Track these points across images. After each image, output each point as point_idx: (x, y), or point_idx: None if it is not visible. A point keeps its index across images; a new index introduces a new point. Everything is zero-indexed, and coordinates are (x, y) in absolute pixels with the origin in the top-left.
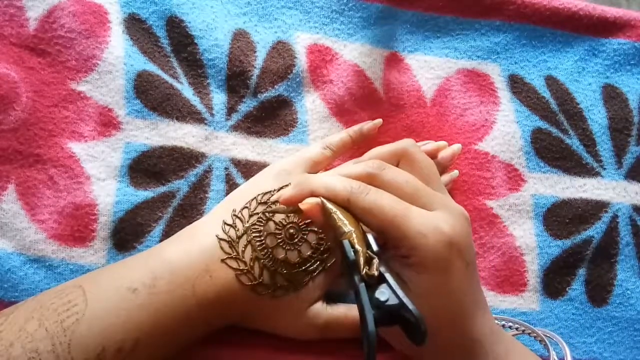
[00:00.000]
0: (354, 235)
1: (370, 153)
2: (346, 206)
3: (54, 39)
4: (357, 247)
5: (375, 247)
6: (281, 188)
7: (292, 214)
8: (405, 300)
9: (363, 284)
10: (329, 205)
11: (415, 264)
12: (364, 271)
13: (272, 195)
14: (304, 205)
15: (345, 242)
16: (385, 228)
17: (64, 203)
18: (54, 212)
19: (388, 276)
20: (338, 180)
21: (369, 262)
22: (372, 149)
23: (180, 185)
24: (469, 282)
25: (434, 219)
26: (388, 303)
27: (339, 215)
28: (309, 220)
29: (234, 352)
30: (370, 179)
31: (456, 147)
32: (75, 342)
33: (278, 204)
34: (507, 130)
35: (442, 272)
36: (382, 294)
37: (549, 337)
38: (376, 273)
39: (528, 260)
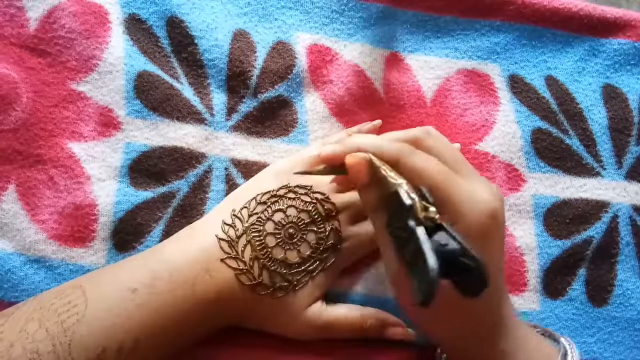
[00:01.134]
0: (408, 186)
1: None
2: (394, 165)
3: (54, 39)
4: (413, 195)
5: (431, 198)
6: (280, 188)
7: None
8: (466, 244)
9: (422, 227)
10: (378, 161)
11: (460, 231)
12: (422, 215)
13: (272, 195)
14: (351, 158)
15: (401, 190)
16: (434, 190)
17: (64, 203)
18: (54, 213)
19: (446, 224)
20: (385, 140)
21: (425, 209)
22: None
23: (181, 186)
24: (501, 258)
25: (479, 189)
26: (448, 247)
27: (388, 170)
28: (309, 220)
29: (234, 352)
30: (416, 144)
31: (455, 146)
32: (76, 342)
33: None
34: (507, 131)
35: (484, 242)
36: (441, 238)
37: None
38: (437, 217)
39: (528, 260)
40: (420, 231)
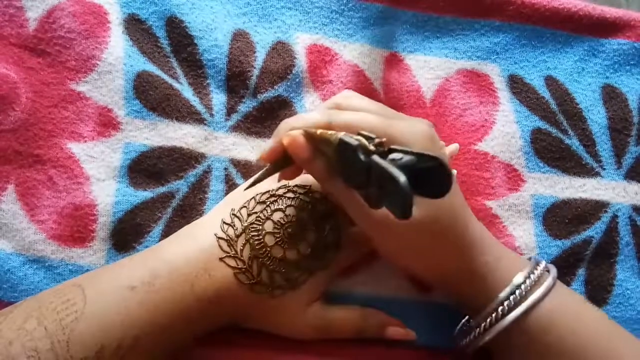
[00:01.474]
0: (348, 134)
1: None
2: (328, 128)
3: (53, 39)
4: (356, 137)
5: (372, 135)
6: (279, 188)
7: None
8: (419, 151)
9: (375, 155)
10: (312, 130)
11: None
12: (371, 145)
13: (271, 194)
14: (286, 138)
15: (343, 137)
16: (374, 134)
17: (63, 203)
18: (54, 213)
19: (393, 146)
20: (313, 112)
21: (371, 141)
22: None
23: (180, 186)
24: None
25: (410, 122)
26: (405, 160)
27: (325, 131)
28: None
29: (234, 352)
30: (340, 107)
31: (454, 147)
32: (74, 340)
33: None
34: (506, 131)
35: None
36: (396, 156)
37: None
38: (383, 140)
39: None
40: (377, 158)
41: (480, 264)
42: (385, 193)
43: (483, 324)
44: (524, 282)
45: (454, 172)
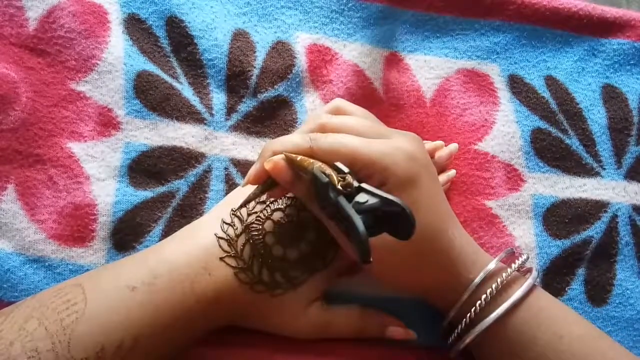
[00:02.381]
0: (323, 166)
1: (306, 120)
2: (309, 154)
3: (53, 39)
4: (329, 171)
5: (346, 169)
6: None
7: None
8: (385, 195)
9: (342, 197)
10: (294, 156)
11: (392, 184)
12: (339, 185)
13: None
14: (268, 163)
15: (316, 170)
16: (353, 159)
17: (63, 203)
18: (54, 212)
19: (365, 185)
20: (294, 135)
21: (343, 179)
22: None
23: (180, 186)
24: (438, 192)
25: (391, 142)
26: (369, 203)
27: (304, 158)
28: (308, 219)
29: (234, 352)
30: (322, 129)
31: (453, 146)
32: (75, 340)
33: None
34: (506, 130)
35: (414, 185)
36: (361, 198)
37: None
38: (354, 183)
39: (527, 261)
40: (342, 200)
41: (466, 281)
42: (351, 230)
43: (464, 320)
44: (500, 273)
45: (453, 172)
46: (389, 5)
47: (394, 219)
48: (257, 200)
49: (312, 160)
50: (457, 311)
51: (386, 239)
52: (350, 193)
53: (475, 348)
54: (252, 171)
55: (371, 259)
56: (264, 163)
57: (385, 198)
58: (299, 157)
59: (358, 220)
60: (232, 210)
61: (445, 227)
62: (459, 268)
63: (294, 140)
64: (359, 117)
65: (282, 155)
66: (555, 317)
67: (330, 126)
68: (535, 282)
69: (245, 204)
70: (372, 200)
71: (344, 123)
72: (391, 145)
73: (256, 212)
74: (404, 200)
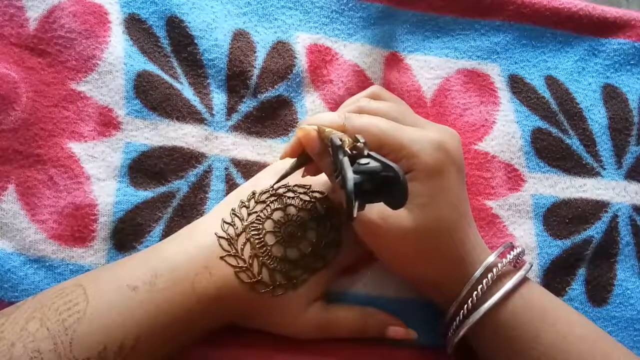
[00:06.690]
0: (345, 136)
1: (344, 103)
2: (342, 130)
3: (54, 39)
4: (345, 138)
5: (362, 139)
6: (279, 187)
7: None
8: (385, 159)
9: (346, 157)
10: (326, 129)
11: (419, 171)
12: (350, 147)
13: (271, 194)
14: (300, 131)
15: (334, 135)
16: (383, 141)
17: (64, 203)
18: (54, 213)
19: (373, 153)
20: (331, 112)
21: (355, 145)
22: (346, 100)
23: (180, 186)
24: (462, 189)
25: (424, 131)
26: (369, 165)
27: (331, 130)
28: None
29: (234, 352)
30: (359, 111)
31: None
32: (77, 341)
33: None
34: (507, 130)
35: (440, 176)
36: (363, 160)
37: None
38: (365, 150)
39: (528, 260)
40: (345, 159)
41: (468, 275)
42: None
43: (461, 312)
44: (496, 264)
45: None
46: (390, 6)
47: (392, 187)
48: (257, 200)
49: (338, 135)
50: (457, 307)
51: (401, 225)
52: (356, 156)
53: (475, 347)
54: (287, 145)
55: (355, 216)
56: (297, 131)
57: (385, 162)
58: (329, 130)
59: (350, 176)
60: (232, 209)
61: (460, 224)
62: (467, 264)
63: (329, 116)
64: (396, 102)
65: (315, 127)
66: (555, 312)
67: (367, 109)
68: (530, 274)
69: (281, 179)
70: (373, 164)
71: (379, 108)
72: (423, 133)
73: (256, 212)
74: (426, 189)
